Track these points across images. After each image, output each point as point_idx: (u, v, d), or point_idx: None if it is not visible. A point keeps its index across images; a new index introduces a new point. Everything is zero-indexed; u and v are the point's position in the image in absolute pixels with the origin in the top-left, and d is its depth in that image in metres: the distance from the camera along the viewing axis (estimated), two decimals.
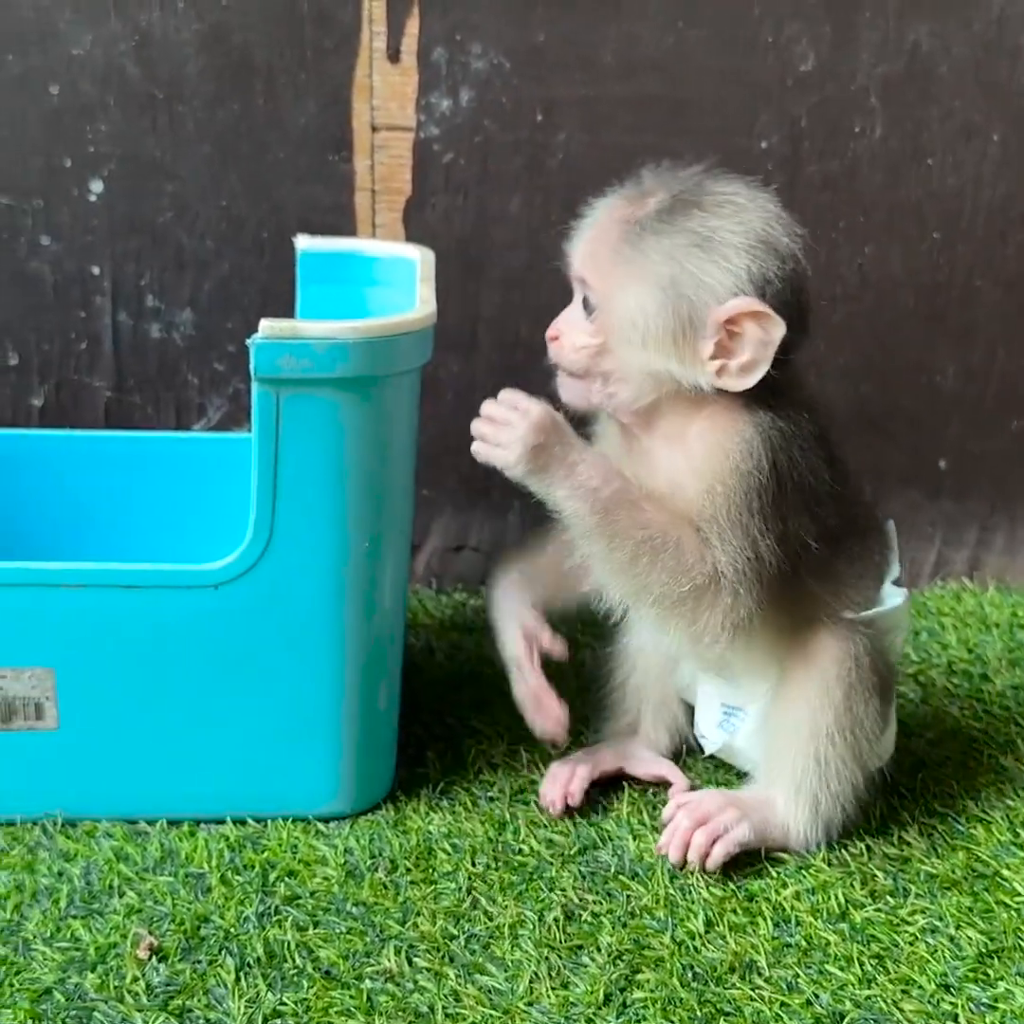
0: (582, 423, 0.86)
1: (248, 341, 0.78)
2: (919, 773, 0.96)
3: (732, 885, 0.84)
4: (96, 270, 1.15)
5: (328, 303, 1.02)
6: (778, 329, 0.77)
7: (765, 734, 0.88)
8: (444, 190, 1.16)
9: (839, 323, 1.23)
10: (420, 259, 0.97)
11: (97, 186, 1.13)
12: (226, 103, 1.12)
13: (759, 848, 0.86)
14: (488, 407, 0.80)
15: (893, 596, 0.88)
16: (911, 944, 0.80)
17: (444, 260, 0.99)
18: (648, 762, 0.94)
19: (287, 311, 1.04)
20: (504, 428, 0.79)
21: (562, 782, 0.91)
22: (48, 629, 0.83)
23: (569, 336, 0.83)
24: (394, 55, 1.12)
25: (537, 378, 0.86)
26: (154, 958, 0.76)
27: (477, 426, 0.80)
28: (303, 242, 1.03)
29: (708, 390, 0.79)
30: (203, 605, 0.83)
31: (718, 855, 0.84)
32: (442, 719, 1.02)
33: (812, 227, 1.17)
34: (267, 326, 0.78)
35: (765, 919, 0.81)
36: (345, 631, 0.85)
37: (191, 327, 1.17)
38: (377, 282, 1.02)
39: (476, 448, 0.80)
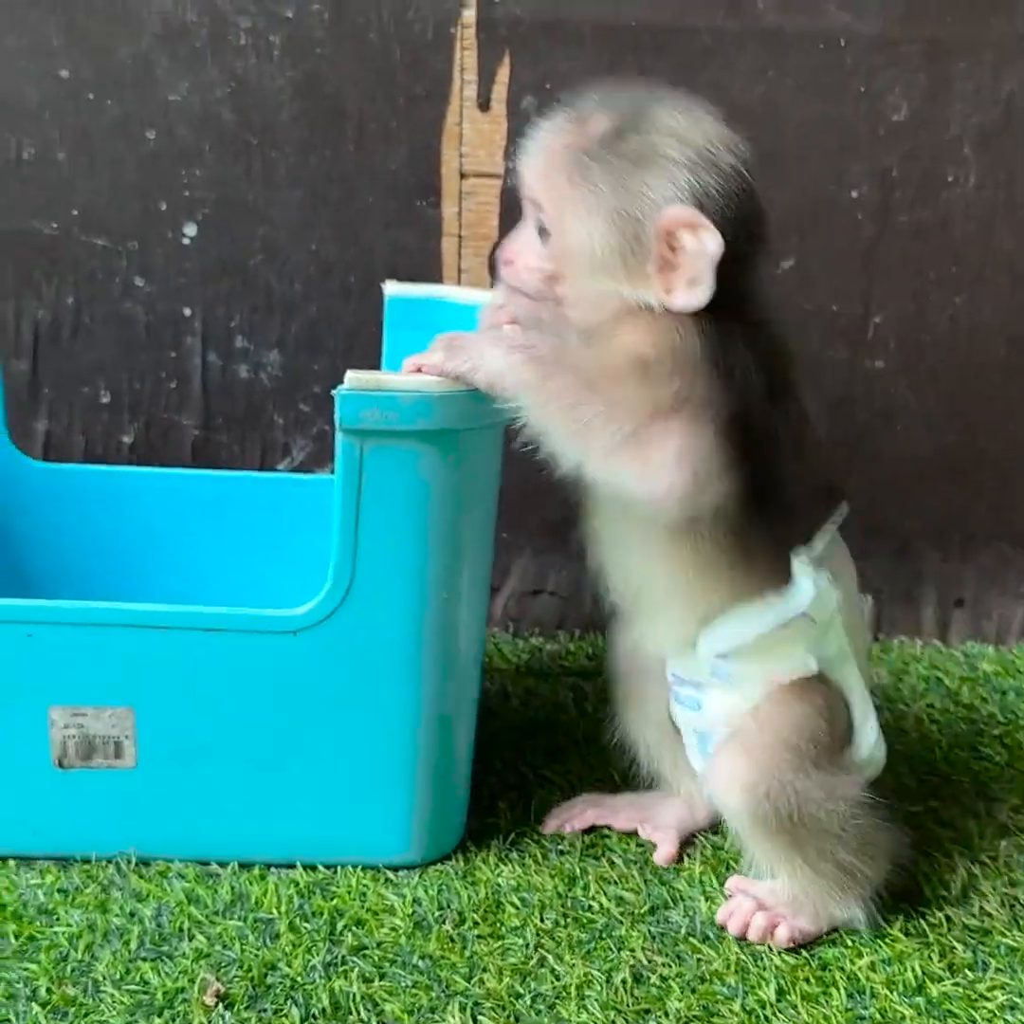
0: None
1: (333, 392, 0.79)
2: (1001, 841, 0.94)
3: (805, 953, 0.82)
4: (188, 311, 1.17)
5: (415, 349, 1.01)
6: (713, 240, 0.76)
7: (750, 851, 0.85)
8: None
9: (927, 371, 1.21)
10: None
11: (191, 229, 1.15)
12: (318, 149, 1.14)
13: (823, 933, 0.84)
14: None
15: (799, 592, 0.81)
16: (989, 1021, 0.77)
17: None
18: (652, 829, 0.94)
19: (372, 354, 1.04)
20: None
21: (570, 816, 0.95)
22: (130, 669, 0.84)
23: (523, 258, 0.83)
24: (484, 104, 1.13)
25: None
26: (220, 1005, 0.76)
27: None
28: (391, 288, 1.03)
29: (659, 310, 0.78)
30: (282, 650, 0.84)
31: (782, 937, 0.83)
32: (515, 767, 1.01)
33: (902, 276, 1.18)
34: (352, 378, 0.79)
35: (839, 990, 0.79)
36: (422, 680, 0.85)
37: (278, 368, 1.19)
38: (464, 329, 1.02)
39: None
